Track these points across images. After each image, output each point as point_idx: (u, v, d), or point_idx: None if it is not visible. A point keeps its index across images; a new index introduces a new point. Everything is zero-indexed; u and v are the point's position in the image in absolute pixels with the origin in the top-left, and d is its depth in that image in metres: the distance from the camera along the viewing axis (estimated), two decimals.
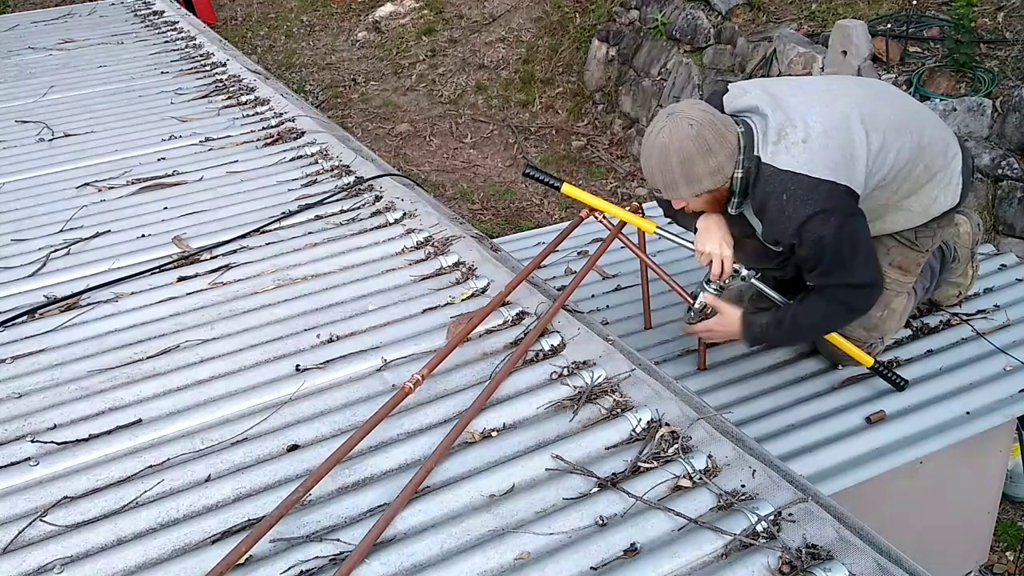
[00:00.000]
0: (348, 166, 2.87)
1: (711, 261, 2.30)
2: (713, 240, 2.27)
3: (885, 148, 2.17)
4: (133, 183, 2.88)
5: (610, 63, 7.76)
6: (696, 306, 2.39)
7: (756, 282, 2.37)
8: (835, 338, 2.38)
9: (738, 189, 2.16)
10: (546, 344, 1.85)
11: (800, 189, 2.06)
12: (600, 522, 1.38)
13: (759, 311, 2.40)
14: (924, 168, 2.27)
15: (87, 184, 2.89)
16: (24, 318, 2.11)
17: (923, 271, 2.52)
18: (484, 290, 2.10)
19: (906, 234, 2.40)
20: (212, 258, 2.36)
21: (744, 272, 2.32)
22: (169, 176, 2.91)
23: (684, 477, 1.45)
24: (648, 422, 1.59)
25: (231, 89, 3.78)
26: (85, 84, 4.05)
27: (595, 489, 1.45)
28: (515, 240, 3.51)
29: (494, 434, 1.60)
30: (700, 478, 1.45)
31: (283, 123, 3.32)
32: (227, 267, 2.30)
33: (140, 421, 1.71)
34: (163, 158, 3.08)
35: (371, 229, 2.46)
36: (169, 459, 1.60)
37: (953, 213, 2.43)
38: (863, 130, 2.14)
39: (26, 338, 2.03)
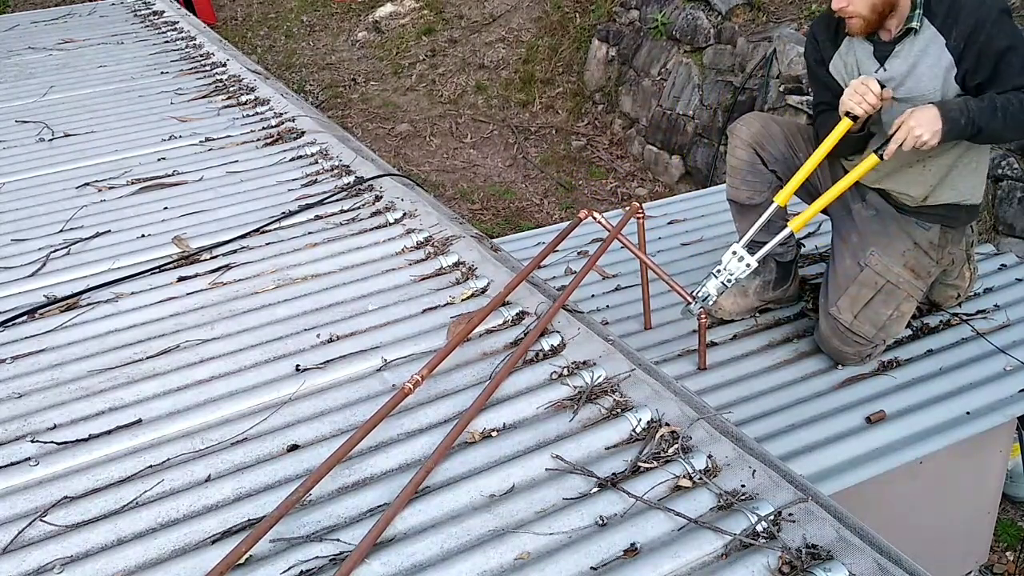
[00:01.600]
0: (348, 166, 2.87)
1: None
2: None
3: None
4: (133, 183, 2.88)
5: (610, 63, 7.76)
6: (701, 294, 2.40)
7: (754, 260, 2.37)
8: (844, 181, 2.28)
9: (921, 0, 2.20)
10: (546, 344, 1.85)
11: None
12: (600, 522, 1.38)
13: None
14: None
15: (87, 184, 2.89)
16: (24, 318, 2.11)
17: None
18: (484, 290, 2.10)
19: (925, 238, 2.44)
20: (212, 258, 2.36)
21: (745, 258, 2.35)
22: (169, 176, 2.91)
23: (684, 477, 1.45)
24: (648, 422, 1.59)
25: (231, 89, 3.78)
26: (85, 84, 4.05)
27: (595, 489, 1.45)
28: (515, 240, 3.51)
29: (494, 434, 1.60)
30: (700, 478, 1.45)
31: (283, 123, 3.32)
32: (227, 267, 2.30)
33: (140, 421, 1.71)
34: (163, 158, 3.08)
35: (371, 229, 2.46)
36: (169, 459, 1.60)
37: (970, 222, 2.47)
38: None
39: (26, 338, 2.03)
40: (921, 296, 2.51)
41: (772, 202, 2.45)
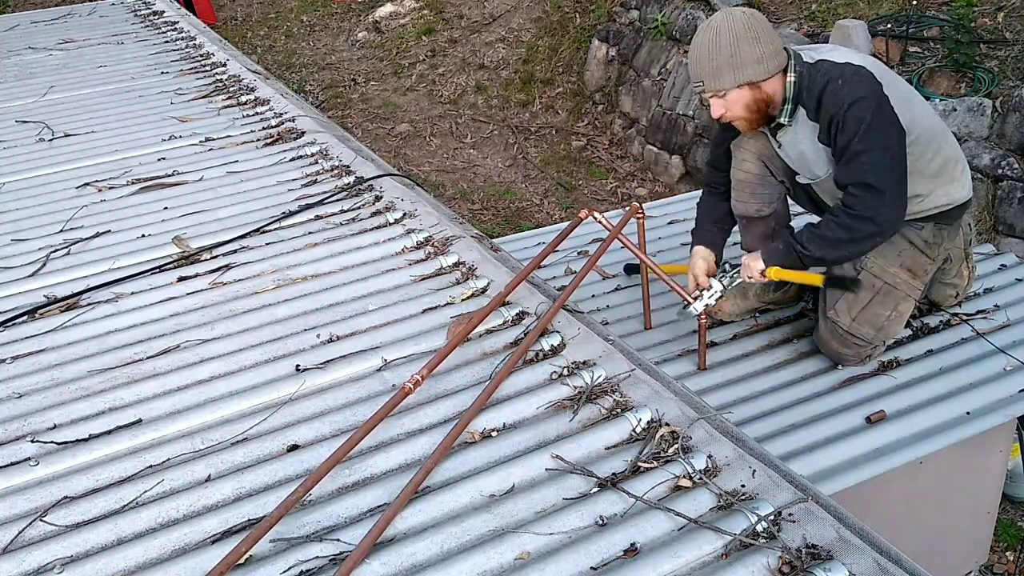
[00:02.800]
0: (348, 166, 2.87)
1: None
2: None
3: (912, 105, 2.31)
4: (133, 183, 2.88)
5: (610, 63, 7.76)
6: (708, 291, 2.47)
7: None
8: (789, 274, 2.40)
9: (791, 95, 2.27)
10: (546, 344, 1.85)
11: (855, 77, 2.20)
12: (600, 522, 1.38)
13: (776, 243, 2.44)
14: (948, 145, 2.39)
15: (87, 184, 2.89)
16: (24, 318, 2.11)
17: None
18: (484, 290, 2.10)
19: (919, 236, 2.43)
20: (212, 258, 2.36)
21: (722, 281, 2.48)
22: (169, 176, 2.91)
23: (684, 477, 1.45)
24: (648, 422, 1.59)
25: (231, 89, 3.78)
26: (85, 84, 4.05)
27: (595, 489, 1.45)
28: (515, 240, 3.51)
29: (494, 434, 1.60)
30: (700, 478, 1.45)
31: (283, 123, 3.32)
32: (227, 267, 2.30)
33: (140, 421, 1.71)
34: (163, 158, 3.08)
35: (371, 229, 2.46)
36: (169, 459, 1.60)
37: (961, 218, 2.47)
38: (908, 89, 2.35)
39: (26, 338, 2.03)
40: (919, 295, 2.51)
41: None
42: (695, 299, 2.47)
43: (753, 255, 2.43)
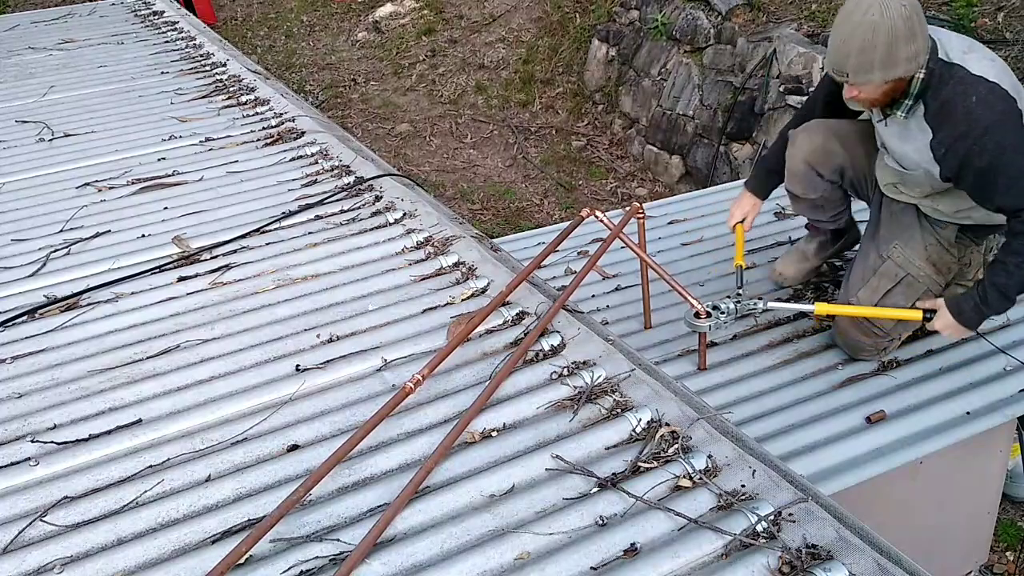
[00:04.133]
0: (348, 166, 2.87)
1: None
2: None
3: None
4: (133, 183, 2.88)
5: (610, 63, 7.76)
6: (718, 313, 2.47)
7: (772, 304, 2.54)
8: (881, 312, 2.43)
9: (916, 90, 2.16)
10: (546, 344, 1.85)
11: (991, 96, 2.09)
12: (600, 522, 1.38)
13: (961, 295, 2.42)
14: None
15: (87, 184, 2.89)
16: (24, 318, 2.11)
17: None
18: (484, 290, 2.10)
19: (943, 235, 2.46)
20: (212, 258, 2.36)
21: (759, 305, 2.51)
22: (169, 176, 2.91)
23: (684, 477, 1.45)
24: (648, 422, 1.59)
25: (231, 89, 3.78)
26: (85, 84, 4.05)
27: (595, 489, 1.45)
28: (515, 240, 3.51)
29: (494, 434, 1.60)
30: (700, 478, 1.45)
31: (283, 123, 3.32)
32: (227, 267, 2.30)
33: (140, 421, 1.71)
34: (163, 158, 3.08)
35: (371, 229, 2.46)
36: (169, 459, 1.60)
37: (988, 236, 2.51)
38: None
39: (26, 338, 2.03)
40: (939, 290, 2.53)
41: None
42: (706, 316, 2.44)
43: (954, 329, 2.40)
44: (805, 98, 5.53)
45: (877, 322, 2.45)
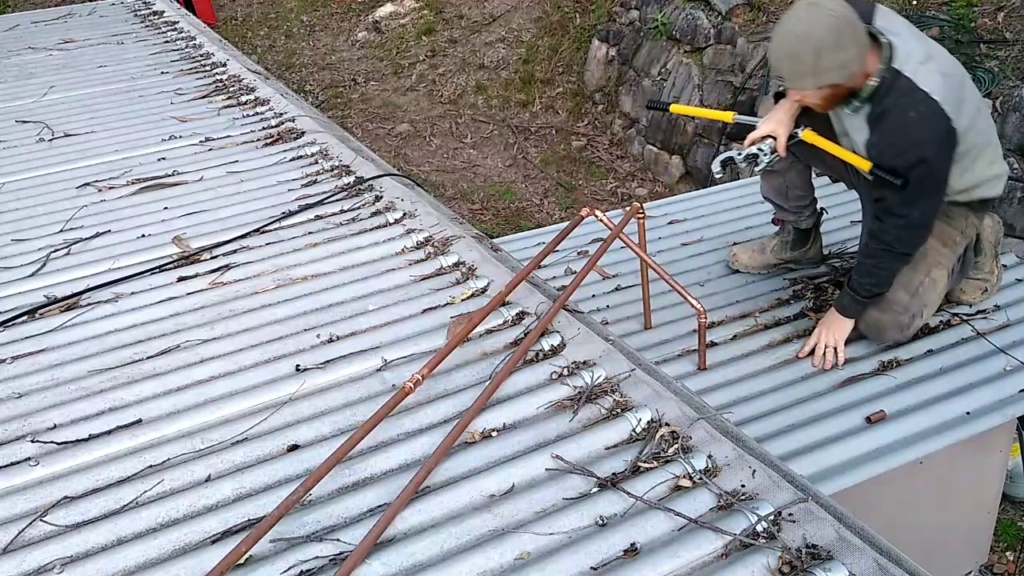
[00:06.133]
0: (348, 166, 2.87)
1: (766, 137, 2.46)
2: (772, 120, 2.45)
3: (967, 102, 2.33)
4: (133, 183, 2.88)
5: (610, 63, 7.76)
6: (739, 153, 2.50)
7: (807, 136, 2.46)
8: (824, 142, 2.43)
9: (866, 94, 2.27)
10: (546, 344, 1.85)
11: (931, 114, 2.21)
12: (600, 522, 1.38)
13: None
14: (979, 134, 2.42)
15: (87, 184, 2.89)
16: (24, 318, 2.11)
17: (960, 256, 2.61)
18: (484, 290, 2.10)
19: (942, 209, 2.48)
20: (212, 258, 2.36)
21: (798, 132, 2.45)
22: (169, 176, 2.91)
23: (684, 477, 1.45)
24: (648, 422, 1.59)
25: (231, 89, 3.78)
26: (85, 84, 4.05)
27: (595, 489, 1.45)
28: (515, 240, 3.51)
29: (494, 434, 1.60)
30: (700, 478, 1.45)
31: (283, 123, 3.32)
32: (227, 267, 2.30)
33: (140, 421, 1.71)
34: (163, 158, 3.08)
35: (371, 229, 2.46)
36: (169, 459, 1.60)
37: (988, 204, 2.54)
38: (969, 83, 2.38)
39: (26, 338, 2.03)
40: (950, 265, 2.55)
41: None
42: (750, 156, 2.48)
43: (834, 322, 2.53)
44: None
45: (892, 296, 2.49)
